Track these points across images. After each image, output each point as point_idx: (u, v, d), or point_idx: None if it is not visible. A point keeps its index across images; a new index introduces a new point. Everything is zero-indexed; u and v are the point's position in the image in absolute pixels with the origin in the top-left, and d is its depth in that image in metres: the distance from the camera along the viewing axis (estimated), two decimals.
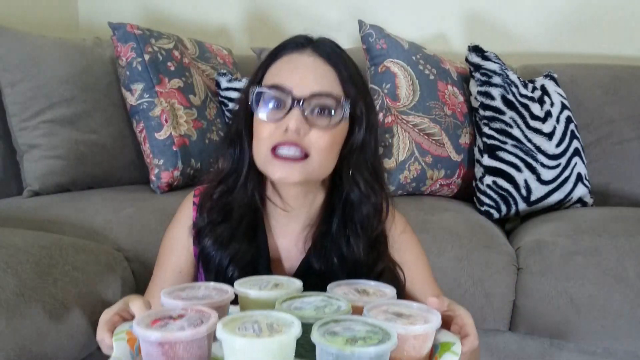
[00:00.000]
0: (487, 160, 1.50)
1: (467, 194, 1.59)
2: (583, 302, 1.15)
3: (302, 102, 0.79)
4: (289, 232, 0.90)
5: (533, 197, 1.49)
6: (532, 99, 1.57)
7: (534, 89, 1.62)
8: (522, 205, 1.49)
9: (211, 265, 0.86)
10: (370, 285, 0.78)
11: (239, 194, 0.87)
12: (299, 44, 0.84)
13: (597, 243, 1.20)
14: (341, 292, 0.75)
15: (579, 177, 1.54)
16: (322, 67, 0.82)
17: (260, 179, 0.88)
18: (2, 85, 1.44)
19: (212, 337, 0.64)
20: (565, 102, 1.62)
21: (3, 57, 1.42)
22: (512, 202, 1.48)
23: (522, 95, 1.56)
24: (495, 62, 1.57)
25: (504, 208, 1.48)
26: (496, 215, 1.48)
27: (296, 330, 0.60)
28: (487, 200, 1.48)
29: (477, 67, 1.58)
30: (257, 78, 0.85)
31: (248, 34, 2.14)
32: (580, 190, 1.54)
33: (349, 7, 2.03)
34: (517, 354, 1.24)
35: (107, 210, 1.27)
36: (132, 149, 1.58)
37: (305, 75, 0.81)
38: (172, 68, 1.54)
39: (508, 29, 1.98)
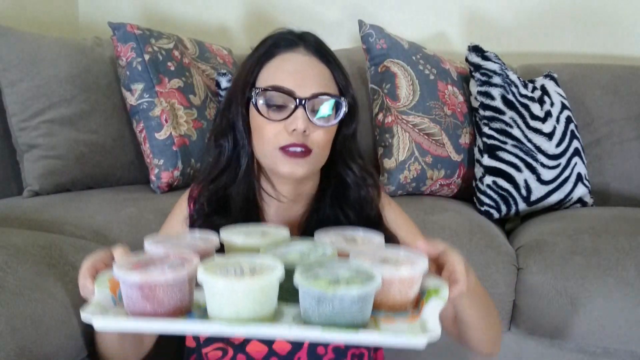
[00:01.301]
0: (487, 160, 1.50)
1: (467, 194, 1.59)
2: (583, 302, 1.15)
3: (305, 103, 0.82)
4: (283, 224, 0.91)
5: (533, 197, 1.49)
6: (532, 99, 1.57)
7: (534, 89, 1.62)
8: (522, 205, 1.49)
9: None
10: (359, 233, 0.78)
11: (237, 187, 0.89)
12: (291, 41, 0.87)
13: (597, 243, 1.20)
14: (329, 241, 0.74)
15: (579, 177, 1.54)
16: (317, 67, 0.86)
17: (256, 173, 0.91)
18: (2, 85, 1.44)
19: (194, 282, 0.62)
20: (565, 102, 1.62)
21: (3, 57, 1.42)
22: (512, 202, 1.48)
23: (522, 95, 1.56)
24: (495, 62, 1.57)
25: (504, 208, 1.48)
26: (496, 215, 1.48)
27: (279, 273, 0.59)
28: (487, 200, 1.48)
29: (477, 67, 1.58)
30: (251, 77, 0.87)
31: (248, 34, 2.14)
32: (580, 190, 1.54)
33: (349, 7, 2.03)
34: (517, 353, 1.24)
35: (107, 210, 1.27)
36: (132, 149, 1.58)
37: (304, 76, 0.84)
38: (172, 68, 1.54)
39: (508, 29, 1.98)
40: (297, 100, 0.82)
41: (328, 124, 0.85)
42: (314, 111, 0.83)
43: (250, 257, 0.63)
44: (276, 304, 0.62)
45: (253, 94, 0.84)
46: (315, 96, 0.83)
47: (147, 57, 1.51)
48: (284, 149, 0.82)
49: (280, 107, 0.83)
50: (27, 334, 0.79)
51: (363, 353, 0.87)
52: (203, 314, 0.63)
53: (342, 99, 0.86)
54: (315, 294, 0.57)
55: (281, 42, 0.87)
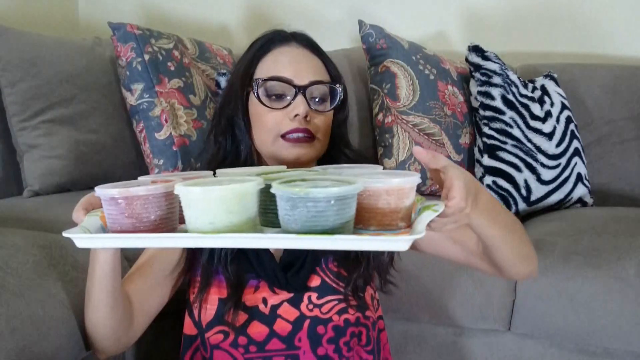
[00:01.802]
0: (487, 160, 1.50)
1: None
2: (583, 302, 1.15)
3: (305, 90, 0.88)
4: None
5: (533, 197, 1.49)
6: (532, 99, 1.57)
7: (534, 89, 1.62)
8: (522, 205, 1.49)
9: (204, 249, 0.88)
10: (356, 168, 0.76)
11: None
12: (285, 37, 0.93)
13: (597, 243, 1.20)
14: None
15: (579, 177, 1.54)
16: (311, 58, 0.92)
17: (255, 164, 0.94)
18: (2, 85, 1.43)
19: (176, 204, 0.62)
20: (565, 102, 1.62)
21: (3, 57, 1.42)
22: (512, 202, 1.48)
23: (522, 95, 1.56)
24: (495, 62, 1.57)
25: None
26: None
27: (255, 183, 0.58)
28: None
29: (477, 67, 1.58)
30: (249, 71, 0.93)
31: (248, 34, 2.13)
32: (580, 190, 1.54)
33: (349, 7, 2.03)
34: (516, 354, 1.24)
35: None
36: (132, 149, 1.58)
37: (300, 66, 0.90)
38: (172, 68, 1.54)
39: (508, 29, 1.98)
40: (296, 88, 0.88)
41: (326, 109, 0.91)
42: (313, 98, 0.90)
43: (232, 178, 0.62)
44: (255, 219, 0.60)
45: (253, 85, 0.90)
46: (312, 84, 0.89)
47: (147, 57, 1.51)
48: (285, 136, 0.87)
49: (280, 96, 0.89)
50: (27, 334, 0.79)
51: (362, 331, 0.88)
52: None
53: (338, 85, 0.93)
54: (289, 197, 0.55)
55: (275, 37, 0.93)
